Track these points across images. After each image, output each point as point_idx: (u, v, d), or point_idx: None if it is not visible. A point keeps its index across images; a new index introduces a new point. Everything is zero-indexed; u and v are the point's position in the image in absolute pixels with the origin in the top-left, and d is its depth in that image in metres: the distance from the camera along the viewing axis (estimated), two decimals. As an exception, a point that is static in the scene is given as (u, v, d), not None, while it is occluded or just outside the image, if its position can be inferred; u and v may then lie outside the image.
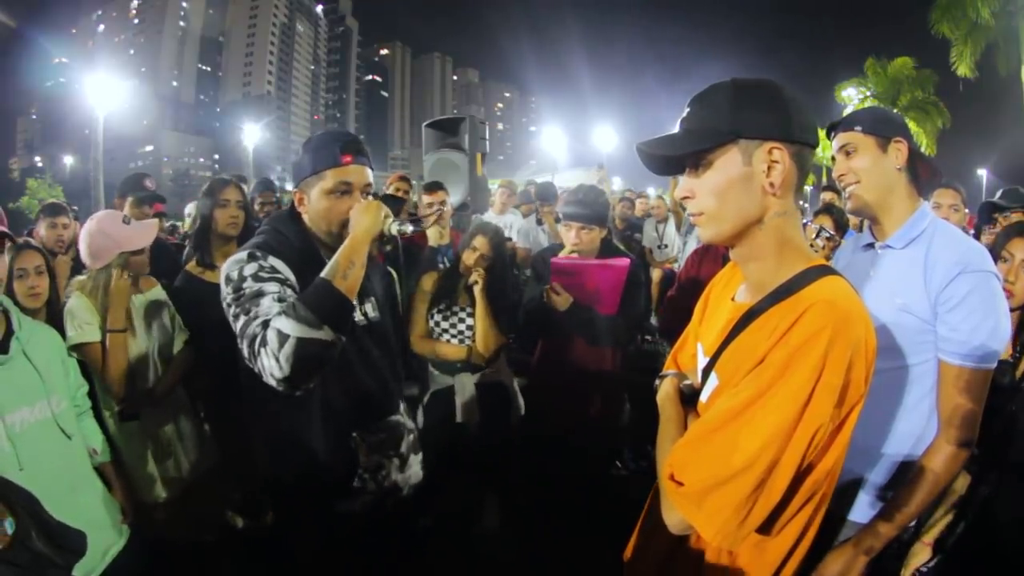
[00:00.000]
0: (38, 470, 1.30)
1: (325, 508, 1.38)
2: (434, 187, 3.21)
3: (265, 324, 1.12)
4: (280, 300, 1.17)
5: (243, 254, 1.26)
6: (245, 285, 1.20)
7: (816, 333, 0.75)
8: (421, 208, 3.23)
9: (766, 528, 0.82)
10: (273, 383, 1.11)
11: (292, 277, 1.26)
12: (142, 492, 1.85)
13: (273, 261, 1.25)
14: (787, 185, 0.84)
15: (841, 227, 2.48)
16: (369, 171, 1.37)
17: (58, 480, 1.36)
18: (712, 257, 2.66)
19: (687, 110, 0.88)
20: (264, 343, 1.10)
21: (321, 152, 1.32)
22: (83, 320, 1.80)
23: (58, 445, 1.40)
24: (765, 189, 0.84)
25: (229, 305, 1.21)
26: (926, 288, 1.19)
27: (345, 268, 1.19)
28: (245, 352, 1.15)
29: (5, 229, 1.54)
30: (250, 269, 1.23)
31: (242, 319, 1.17)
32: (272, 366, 1.09)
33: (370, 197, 1.37)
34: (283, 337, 1.09)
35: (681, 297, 2.70)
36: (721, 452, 0.78)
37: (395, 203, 3.65)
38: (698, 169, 0.87)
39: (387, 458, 1.45)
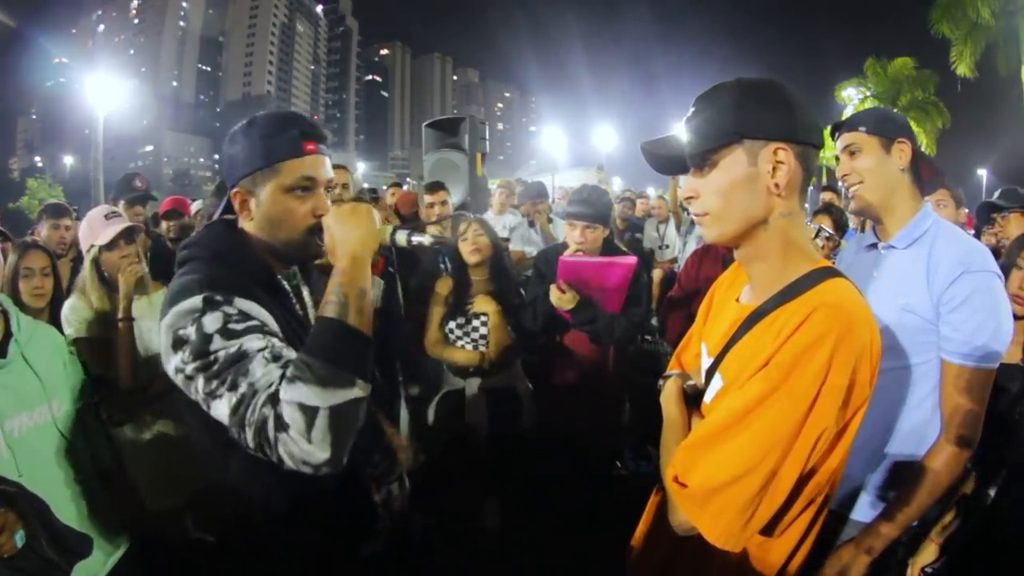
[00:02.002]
0: (37, 475, 1.28)
1: (351, 557, 1.19)
2: (435, 187, 3.21)
3: (273, 399, 0.83)
4: (275, 358, 0.88)
5: (196, 300, 0.90)
6: (213, 348, 0.87)
7: (822, 336, 0.74)
8: (422, 210, 3.23)
9: (769, 529, 0.82)
10: (308, 470, 0.83)
11: (270, 319, 0.96)
12: (144, 497, 1.85)
13: (240, 304, 0.93)
14: (792, 186, 0.84)
15: (840, 227, 2.49)
16: (330, 163, 1.09)
17: (58, 485, 1.34)
18: (712, 258, 2.66)
19: (692, 109, 0.88)
20: (283, 427, 0.82)
21: (274, 139, 1.01)
22: (78, 317, 1.83)
23: (58, 449, 1.38)
24: (770, 190, 0.83)
25: (190, 377, 0.88)
26: (929, 288, 1.19)
27: (356, 299, 0.90)
28: (251, 442, 0.84)
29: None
30: (212, 322, 0.88)
31: (227, 398, 0.85)
32: (305, 451, 0.82)
33: (334, 194, 1.11)
34: (310, 411, 0.81)
35: (681, 297, 2.70)
36: (725, 454, 0.77)
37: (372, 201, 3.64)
38: (703, 169, 0.86)
39: (392, 484, 1.30)
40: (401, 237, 1.02)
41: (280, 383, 0.84)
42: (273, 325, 0.96)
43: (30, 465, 1.27)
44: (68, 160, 55.83)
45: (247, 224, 1.07)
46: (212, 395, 0.87)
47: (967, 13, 13.16)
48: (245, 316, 0.92)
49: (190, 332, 0.88)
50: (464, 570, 2.33)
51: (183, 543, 1.97)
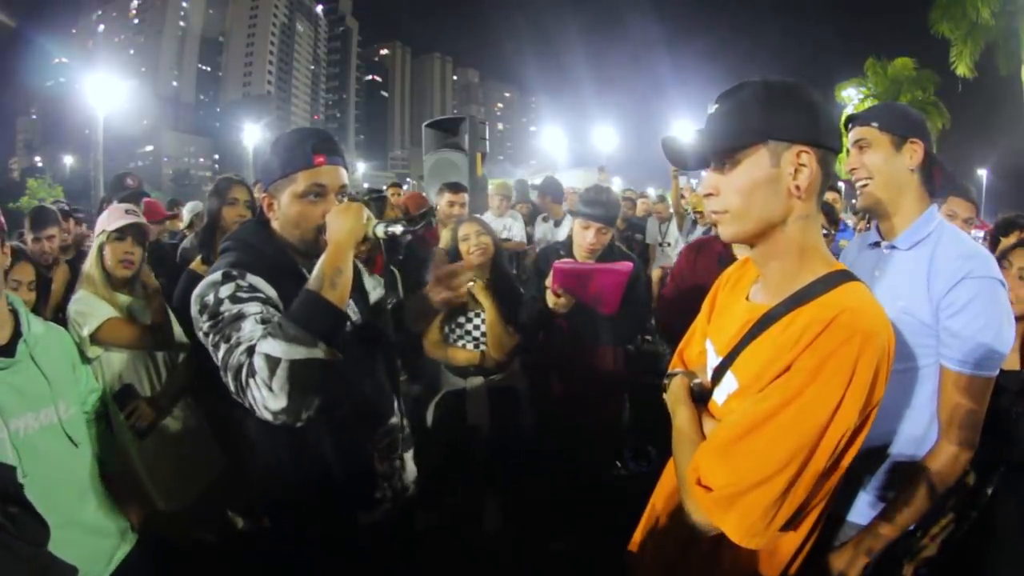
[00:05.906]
0: (42, 477, 1.25)
1: (349, 524, 1.31)
2: (458, 188, 3.20)
3: (250, 351, 0.99)
4: (264, 321, 1.05)
5: (217, 275, 1.12)
6: (223, 308, 1.07)
7: (848, 339, 0.75)
8: (438, 208, 3.21)
9: (783, 526, 0.82)
10: (268, 416, 0.98)
11: (274, 295, 1.14)
12: (151, 500, 1.84)
13: (252, 279, 1.13)
14: (812, 189, 0.84)
15: (833, 221, 2.50)
16: (343, 171, 1.25)
17: (63, 487, 1.32)
18: (707, 254, 2.61)
19: (715, 106, 0.88)
20: (252, 372, 0.97)
21: (291, 152, 1.20)
22: (91, 305, 1.83)
23: (64, 452, 1.35)
24: (791, 192, 0.83)
25: (207, 334, 1.08)
26: (929, 292, 1.18)
27: (332, 276, 1.07)
28: (231, 386, 1.01)
29: None
30: (226, 290, 1.09)
31: (223, 348, 1.03)
32: (265, 397, 0.96)
33: (345, 199, 1.26)
34: (273, 362, 0.96)
35: (676, 294, 2.64)
36: (752, 457, 0.78)
37: (377, 203, 3.62)
38: (724, 167, 0.86)
39: (394, 461, 1.41)
40: (380, 230, 1.20)
41: (258, 339, 1.00)
42: (276, 299, 1.13)
43: (35, 466, 1.26)
44: (68, 160, 55.95)
45: (274, 223, 1.25)
46: (215, 347, 1.05)
47: (967, 13, 13.13)
48: (252, 289, 1.11)
49: (210, 298, 1.09)
50: (465, 570, 2.33)
51: (185, 543, 1.97)
